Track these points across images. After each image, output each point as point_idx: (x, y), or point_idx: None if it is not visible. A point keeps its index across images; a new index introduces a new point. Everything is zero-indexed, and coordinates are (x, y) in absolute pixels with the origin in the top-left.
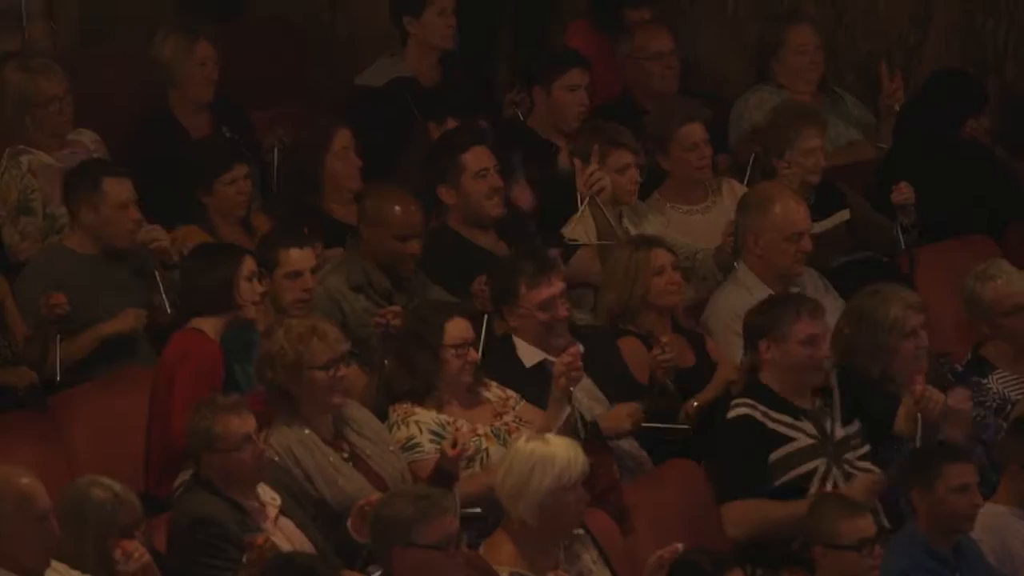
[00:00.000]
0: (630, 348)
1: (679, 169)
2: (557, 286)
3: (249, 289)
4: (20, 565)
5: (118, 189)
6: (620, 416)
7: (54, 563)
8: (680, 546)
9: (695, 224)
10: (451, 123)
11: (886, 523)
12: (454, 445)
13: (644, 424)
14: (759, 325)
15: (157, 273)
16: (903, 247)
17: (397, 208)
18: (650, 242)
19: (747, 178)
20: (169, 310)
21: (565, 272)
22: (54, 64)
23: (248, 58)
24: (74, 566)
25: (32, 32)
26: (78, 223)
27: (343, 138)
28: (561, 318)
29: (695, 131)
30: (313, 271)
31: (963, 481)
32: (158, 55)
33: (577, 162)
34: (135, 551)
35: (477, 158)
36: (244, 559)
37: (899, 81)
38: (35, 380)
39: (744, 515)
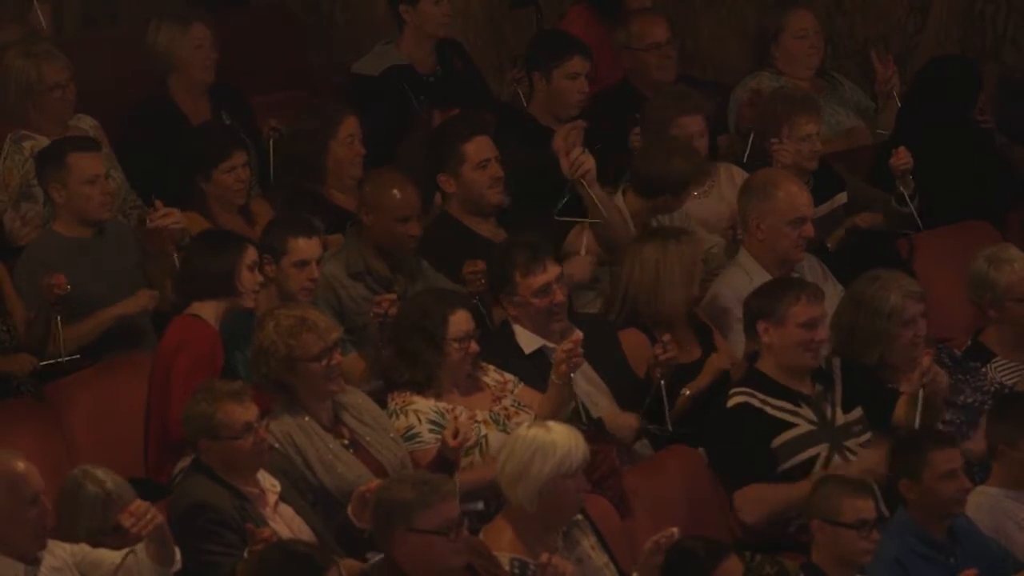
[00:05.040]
0: (631, 340)
1: None
2: (552, 272)
3: (250, 278)
4: (14, 548)
5: (84, 164)
6: (624, 426)
7: (51, 544)
8: (676, 530)
9: (692, 208)
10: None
11: (885, 511)
12: (455, 435)
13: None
14: (759, 307)
15: (176, 256)
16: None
17: (396, 192)
18: (690, 240)
19: (746, 155)
20: None
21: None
22: (57, 50)
23: (247, 46)
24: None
25: (34, 17)
26: (55, 204)
27: (349, 125)
28: (558, 303)
29: (693, 123)
30: (318, 261)
31: (950, 467)
32: (154, 44)
33: (559, 145)
34: (146, 511)
35: (478, 148)
36: (247, 552)
37: (891, 66)
38: (36, 364)
39: (759, 499)
